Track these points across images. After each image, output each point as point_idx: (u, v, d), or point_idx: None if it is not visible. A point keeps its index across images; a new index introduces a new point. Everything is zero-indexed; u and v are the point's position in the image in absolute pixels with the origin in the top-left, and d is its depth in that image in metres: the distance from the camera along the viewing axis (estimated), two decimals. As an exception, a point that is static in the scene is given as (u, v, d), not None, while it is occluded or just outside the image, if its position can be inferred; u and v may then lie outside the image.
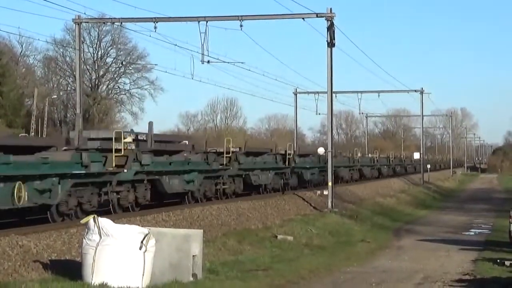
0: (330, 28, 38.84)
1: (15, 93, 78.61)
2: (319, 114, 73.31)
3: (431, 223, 44.55)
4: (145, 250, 16.70)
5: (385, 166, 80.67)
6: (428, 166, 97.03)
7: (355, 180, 64.74)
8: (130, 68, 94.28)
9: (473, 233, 38.40)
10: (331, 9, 38.79)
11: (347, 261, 25.74)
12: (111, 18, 43.69)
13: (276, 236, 29.25)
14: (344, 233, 34.57)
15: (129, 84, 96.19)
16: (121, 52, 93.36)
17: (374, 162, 75.67)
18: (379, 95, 77.77)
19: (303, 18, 39.46)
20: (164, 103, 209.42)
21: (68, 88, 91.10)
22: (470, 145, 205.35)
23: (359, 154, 66.72)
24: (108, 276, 16.32)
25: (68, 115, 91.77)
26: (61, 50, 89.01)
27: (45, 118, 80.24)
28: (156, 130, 33.45)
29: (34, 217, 23.33)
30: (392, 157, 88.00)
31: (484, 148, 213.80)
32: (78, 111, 41.75)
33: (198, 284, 17.74)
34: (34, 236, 19.69)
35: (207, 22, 38.97)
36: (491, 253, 28.32)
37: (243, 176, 38.93)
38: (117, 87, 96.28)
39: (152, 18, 39.60)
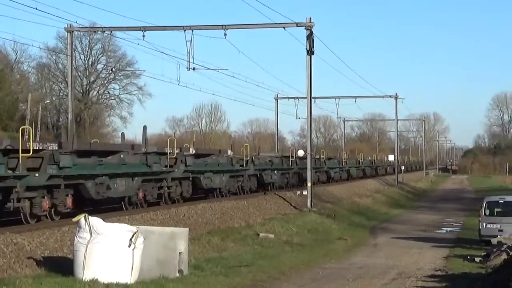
0: (309, 37, 38.93)
1: (10, 98, 78.33)
2: (299, 118, 73.15)
3: (405, 221, 44.68)
4: (134, 247, 16.70)
5: (354, 168, 77.17)
6: (402, 167, 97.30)
7: (322, 182, 60.50)
8: (120, 74, 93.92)
9: (444, 231, 38.55)
10: (310, 18, 38.91)
11: (326, 258, 25.82)
12: (102, 27, 43.64)
13: (258, 234, 29.28)
14: (322, 231, 34.63)
15: (118, 90, 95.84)
16: (111, 59, 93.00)
17: (342, 164, 71.34)
18: (355, 101, 77.79)
19: (284, 27, 39.54)
20: (152, 108, 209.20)
21: (61, 94, 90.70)
22: (442, 148, 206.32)
23: (324, 156, 62.75)
24: (99, 272, 16.31)
25: (61, 119, 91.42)
26: (54, 57, 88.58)
27: (39, 122, 79.76)
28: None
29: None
30: (361, 159, 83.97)
31: (455, 151, 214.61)
32: (70, 115, 41.63)
33: (184, 280, 17.78)
34: (28, 234, 19.62)
35: (192, 31, 38.98)
36: (462, 250, 28.50)
37: (191, 179, 34.19)
38: (107, 92, 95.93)
39: (140, 27, 39.57)
